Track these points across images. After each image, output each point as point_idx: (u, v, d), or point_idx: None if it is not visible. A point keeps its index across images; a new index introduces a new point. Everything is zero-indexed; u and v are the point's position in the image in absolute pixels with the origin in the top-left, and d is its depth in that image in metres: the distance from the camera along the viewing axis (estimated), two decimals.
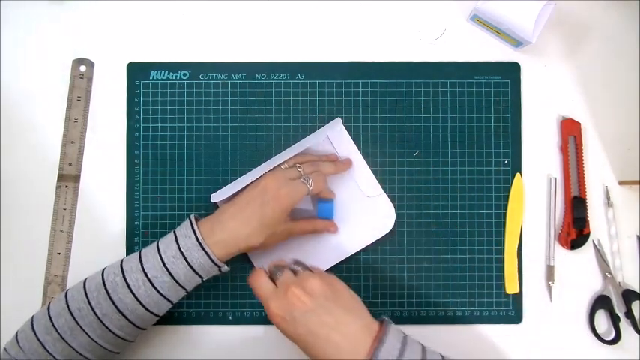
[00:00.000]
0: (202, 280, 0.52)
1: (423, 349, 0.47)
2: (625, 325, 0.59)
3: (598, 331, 0.59)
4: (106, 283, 0.50)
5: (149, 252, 0.51)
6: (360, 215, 0.59)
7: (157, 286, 0.50)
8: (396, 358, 0.44)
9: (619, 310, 0.59)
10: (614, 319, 0.58)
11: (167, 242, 0.51)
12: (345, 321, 0.45)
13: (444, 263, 0.60)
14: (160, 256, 0.50)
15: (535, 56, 0.62)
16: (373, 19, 0.62)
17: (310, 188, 0.53)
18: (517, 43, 0.60)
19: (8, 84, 0.61)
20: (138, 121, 0.61)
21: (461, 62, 0.61)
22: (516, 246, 0.60)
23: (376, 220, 0.59)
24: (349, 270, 0.60)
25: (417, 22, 0.62)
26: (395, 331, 0.46)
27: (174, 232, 0.52)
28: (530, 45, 0.58)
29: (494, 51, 0.62)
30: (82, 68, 0.61)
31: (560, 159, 0.61)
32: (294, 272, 0.49)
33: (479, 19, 0.60)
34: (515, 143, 0.61)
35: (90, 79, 0.61)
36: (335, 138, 0.59)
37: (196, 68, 0.61)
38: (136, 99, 0.61)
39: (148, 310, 0.50)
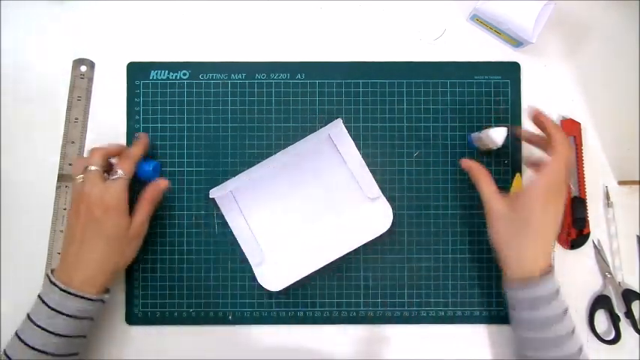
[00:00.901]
0: (93, 319, 0.52)
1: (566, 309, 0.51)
2: (625, 325, 0.59)
3: (598, 331, 0.59)
4: None
5: (25, 329, 0.49)
6: (358, 214, 0.59)
7: (52, 352, 0.49)
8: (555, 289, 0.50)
9: (619, 310, 0.59)
10: (614, 319, 0.58)
11: (35, 309, 0.50)
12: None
13: (443, 263, 0.60)
14: (36, 324, 0.49)
15: (535, 56, 0.62)
16: (373, 19, 0.62)
17: (125, 177, 0.52)
18: (517, 43, 0.60)
19: (8, 84, 0.61)
20: (138, 121, 0.61)
21: (461, 62, 0.61)
22: None
23: (374, 219, 0.58)
24: (349, 270, 0.60)
25: (417, 22, 0.62)
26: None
27: (39, 295, 0.51)
28: (530, 45, 0.58)
29: (494, 51, 0.62)
30: (83, 68, 0.61)
31: None
32: None
33: (479, 19, 0.60)
34: (515, 143, 0.61)
35: (90, 80, 0.61)
36: (336, 138, 0.59)
37: (196, 68, 0.61)
38: (136, 99, 0.61)
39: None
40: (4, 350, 0.50)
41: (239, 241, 0.58)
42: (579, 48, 0.62)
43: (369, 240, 0.58)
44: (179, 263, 0.60)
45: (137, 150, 0.55)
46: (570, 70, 0.62)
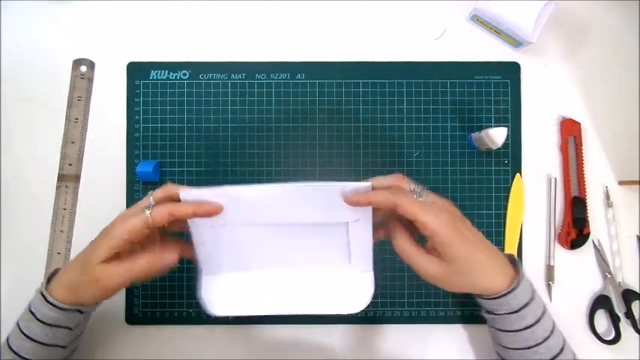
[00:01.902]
0: (71, 329, 0.48)
1: (544, 308, 0.48)
2: (625, 325, 0.59)
3: (598, 331, 0.59)
4: None
5: (14, 328, 0.48)
6: (337, 280, 0.50)
7: (26, 357, 0.46)
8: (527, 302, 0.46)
9: (619, 310, 0.59)
10: (614, 319, 0.58)
11: (24, 312, 0.48)
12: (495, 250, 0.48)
13: None
14: (18, 325, 0.47)
15: (535, 56, 0.62)
16: (373, 19, 0.62)
17: (149, 220, 0.43)
18: (517, 43, 0.60)
19: (8, 84, 0.61)
20: (138, 121, 0.61)
21: (461, 62, 0.61)
22: (516, 246, 0.60)
23: (351, 293, 0.50)
24: None
25: (417, 22, 0.62)
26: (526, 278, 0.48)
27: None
28: (530, 45, 0.58)
29: (494, 51, 0.62)
30: (83, 69, 0.61)
31: (560, 159, 0.61)
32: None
33: (479, 19, 0.60)
34: (515, 143, 0.61)
35: (90, 80, 0.61)
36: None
37: (196, 68, 0.61)
38: (136, 99, 0.61)
39: None
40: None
41: (195, 244, 0.48)
42: (579, 48, 0.62)
43: (333, 313, 0.49)
44: (179, 263, 0.59)
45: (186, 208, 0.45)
46: (570, 70, 0.62)
